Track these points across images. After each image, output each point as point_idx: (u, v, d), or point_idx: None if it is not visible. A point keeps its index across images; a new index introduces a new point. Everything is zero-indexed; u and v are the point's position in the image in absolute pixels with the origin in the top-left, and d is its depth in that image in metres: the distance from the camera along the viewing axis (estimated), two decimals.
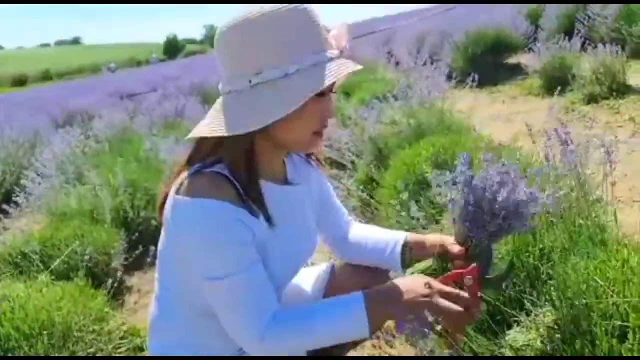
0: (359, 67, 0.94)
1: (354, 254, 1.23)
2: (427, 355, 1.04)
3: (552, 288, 0.99)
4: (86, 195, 2.88)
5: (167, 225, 0.97)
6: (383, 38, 9.99)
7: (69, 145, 3.91)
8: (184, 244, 0.94)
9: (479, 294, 0.90)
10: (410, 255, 1.14)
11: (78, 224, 2.55)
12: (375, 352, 1.66)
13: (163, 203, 1.00)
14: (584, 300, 0.89)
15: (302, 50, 0.90)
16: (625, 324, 0.84)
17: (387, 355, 1.63)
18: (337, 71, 0.90)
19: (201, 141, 0.98)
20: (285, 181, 1.08)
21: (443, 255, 1.07)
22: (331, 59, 0.92)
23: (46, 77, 50.55)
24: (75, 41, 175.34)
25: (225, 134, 0.90)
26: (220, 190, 0.92)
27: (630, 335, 0.83)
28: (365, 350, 1.69)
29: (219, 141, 0.94)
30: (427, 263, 1.10)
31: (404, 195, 1.70)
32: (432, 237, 1.14)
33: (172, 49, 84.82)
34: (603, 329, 0.83)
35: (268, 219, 0.98)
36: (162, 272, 1.06)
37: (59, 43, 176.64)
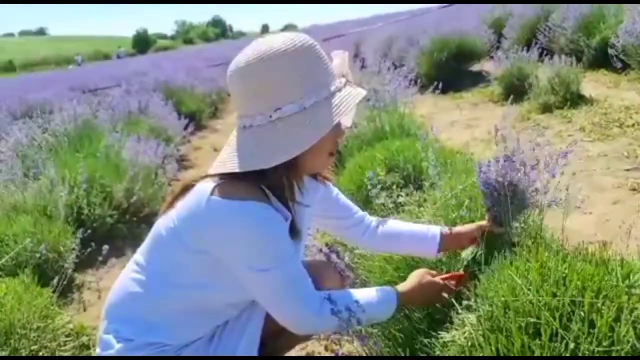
0: (365, 92, 1.06)
1: (387, 245, 1.38)
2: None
3: (475, 288, 1.05)
4: (41, 190, 2.81)
5: (195, 222, 1.02)
6: (352, 41, 10.08)
7: (26, 138, 3.80)
8: (224, 241, 1.00)
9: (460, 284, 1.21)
10: (446, 244, 1.31)
11: (30, 219, 2.49)
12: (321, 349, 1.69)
13: (177, 196, 1.09)
14: (502, 299, 0.94)
15: (316, 84, 1.00)
16: (539, 321, 0.90)
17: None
18: (351, 102, 1.02)
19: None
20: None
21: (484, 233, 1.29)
22: (340, 89, 1.03)
23: (9, 68, 48.75)
24: (41, 32, 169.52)
25: (263, 167, 0.99)
26: (257, 194, 1.02)
27: (542, 332, 0.89)
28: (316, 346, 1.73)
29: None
30: (472, 249, 1.31)
31: (356, 199, 1.74)
32: (465, 227, 1.33)
33: (142, 43, 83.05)
34: (517, 325, 0.89)
35: (294, 230, 1.07)
36: (160, 258, 1.10)
37: (23, 33, 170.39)
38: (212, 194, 1.01)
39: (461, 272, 1.29)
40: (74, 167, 2.97)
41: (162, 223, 1.10)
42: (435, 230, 1.32)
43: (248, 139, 1.02)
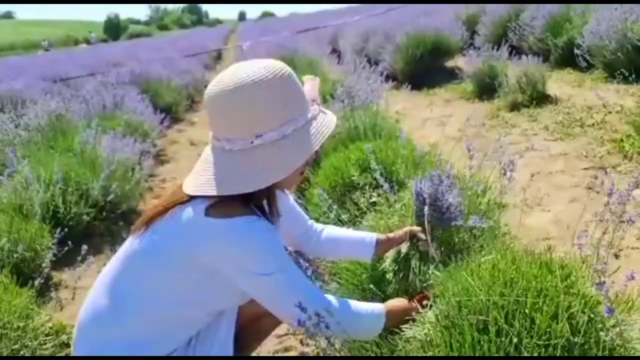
0: (335, 119, 1.13)
1: (330, 250, 1.48)
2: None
3: (433, 287, 1.15)
4: (16, 188, 2.80)
5: (191, 244, 1.05)
6: (329, 34, 10.10)
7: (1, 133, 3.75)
8: (226, 257, 1.05)
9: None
10: (380, 249, 1.43)
11: (5, 218, 2.50)
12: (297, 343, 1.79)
13: (152, 218, 1.11)
14: (457, 298, 1.04)
15: (294, 113, 1.06)
16: (487, 319, 1.00)
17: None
18: (326, 131, 1.09)
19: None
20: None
21: (413, 236, 1.44)
22: (315, 116, 1.10)
23: None
24: (7, 16, 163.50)
25: (246, 191, 1.03)
26: (247, 211, 1.07)
27: (490, 328, 0.99)
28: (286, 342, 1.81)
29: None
30: (404, 247, 1.45)
31: (330, 198, 1.83)
32: (397, 232, 1.46)
33: (114, 28, 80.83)
34: (469, 323, 0.99)
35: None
36: (139, 278, 1.11)
37: None
38: (206, 215, 1.04)
39: (425, 293, 1.35)
40: (49, 164, 2.97)
41: (138, 245, 1.11)
42: (372, 236, 1.44)
43: (229, 162, 1.05)
